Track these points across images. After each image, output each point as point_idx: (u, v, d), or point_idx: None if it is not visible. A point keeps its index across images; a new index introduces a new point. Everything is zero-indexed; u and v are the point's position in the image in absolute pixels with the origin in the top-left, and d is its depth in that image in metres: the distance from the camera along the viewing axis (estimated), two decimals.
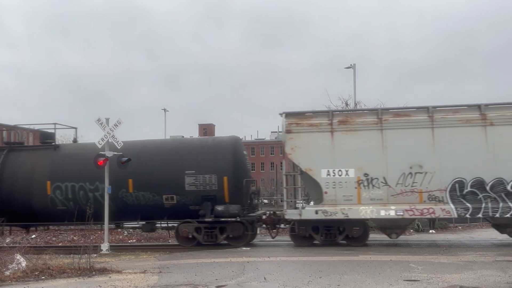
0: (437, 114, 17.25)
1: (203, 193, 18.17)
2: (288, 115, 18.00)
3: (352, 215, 17.18)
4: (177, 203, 18.32)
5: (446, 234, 20.76)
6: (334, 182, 17.30)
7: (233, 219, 17.98)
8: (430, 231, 23.20)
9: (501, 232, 17.81)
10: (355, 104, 32.98)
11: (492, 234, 19.69)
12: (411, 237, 22.00)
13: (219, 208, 17.96)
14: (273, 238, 19.07)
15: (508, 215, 16.60)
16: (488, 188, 16.61)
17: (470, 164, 16.69)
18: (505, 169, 16.54)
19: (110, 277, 11.65)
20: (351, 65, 34.91)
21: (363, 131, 17.42)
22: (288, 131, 17.77)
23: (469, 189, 16.72)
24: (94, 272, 12.06)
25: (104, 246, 17.22)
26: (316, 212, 17.34)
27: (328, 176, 17.33)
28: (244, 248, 17.60)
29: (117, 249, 18.09)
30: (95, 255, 15.10)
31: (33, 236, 23.46)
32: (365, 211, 17.08)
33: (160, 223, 19.55)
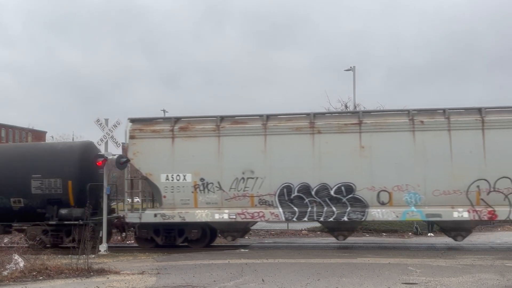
0: (271, 122, 17.92)
1: (49, 197, 18.41)
2: (133, 121, 18.62)
3: (188, 218, 17.85)
4: (24, 206, 18.59)
5: (445, 237, 20.71)
6: (172, 186, 17.94)
7: (76, 222, 18.02)
8: (429, 234, 23.23)
9: (334, 236, 18.59)
10: (355, 107, 32.96)
11: (490, 238, 19.72)
12: (410, 240, 22.02)
13: (63, 211, 18.27)
14: (122, 241, 19.56)
15: (331, 219, 17.35)
16: (313, 193, 17.35)
17: (298, 170, 17.41)
18: (329, 175, 17.29)
19: (108, 278, 11.64)
20: (350, 67, 34.88)
21: (202, 138, 18.11)
22: (132, 137, 18.38)
23: (296, 193, 17.43)
24: (92, 273, 12.05)
25: (102, 247, 17.21)
26: (155, 216, 18.00)
27: (167, 181, 17.99)
28: (242, 250, 17.59)
29: (115, 250, 18.07)
30: (93, 255, 15.08)
31: None
32: (201, 215, 17.69)
33: (11, 225, 19.43)
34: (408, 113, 17.43)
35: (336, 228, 18.11)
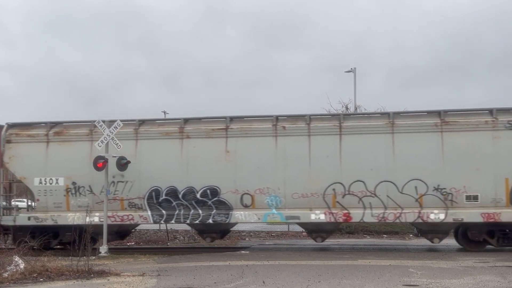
0: (142, 127, 18.46)
1: None
2: (11, 126, 19.05)
3: (61, 221, 18.15)
4: None
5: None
6: (45, 190, 18.34)
7: None
8: None
9: (201, 237, 19.40)
10: (355, 108, 33.00)
11: None
12: (411, 242, 22.01)
13: None
14: (5, 244, 19.57)
15: (197, 221, 17.75)
16: (180, 196, 17.75)
17: (166, 174, 17.79)
18: (196, 179, 17.68)
19: (108, 279, 11.63)
20: (351, 69, 34.92)
21: (76, 142, 18.50)
22: (8, 141, 18.79)
23: (164, 197, 17.87)
24: (92, 275, 12.03)
25: (103, 249, 17.18)
26: (29, 219, 18.35)
27: (41, 184, 18.39)
28: (243, 252, 17.59)
29: (116, 251, 18.05)
30: (94, 257, 15.08)
31: None
32: (73, 218, 17.81)
33: None
34: (272, 118, 17.90)
35: (204, 230, 18.68)
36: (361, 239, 23.12)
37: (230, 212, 17.46)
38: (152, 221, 18.06)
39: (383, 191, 16.92)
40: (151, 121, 18.83)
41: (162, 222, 18.45)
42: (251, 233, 25.57)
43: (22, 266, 12.33)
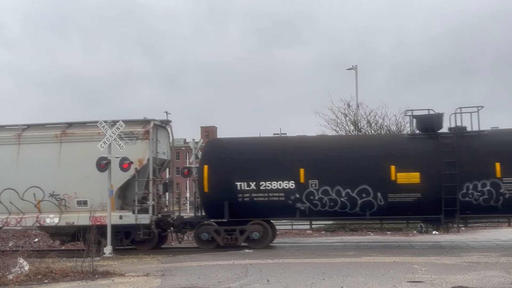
0: None
1: None
2: None
3: None
4: None
5: (450, 235, 20.71)
6: None
7: None
8: (433, 232, 23.18)
9: None
10: (357, 105, 32.91)
11: (495, 235, 19.66)
12: (415, 238, 21.97)
13: None
14: None
15: None
16: None
17: None
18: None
19: (113, 280, 11.64)
20: (353, 66, 34.85)
21: None
22: None
23: None
24: (97, 276, 12.05)
25: (107, 249, 17.21)
26: None
27: None
28: (247, 251, 17.59)
29: (120, 252, 18.07)
30: (98, 258, 15.08)
31: (36, 239, 23.51)
32: None
33: None
34: None
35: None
36: (364, 236, 23.10)
37: None
38: None
39: (6, 198, 18.75)
40: None
41: None
42: None
43: (26, 268, 12.33)
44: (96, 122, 17.84)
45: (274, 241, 20.57)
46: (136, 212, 18.28)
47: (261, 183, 18.03)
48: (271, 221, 19.16)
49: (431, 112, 18.38)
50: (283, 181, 17.94)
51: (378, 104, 44.66)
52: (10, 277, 11.67)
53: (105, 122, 17.56)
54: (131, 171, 18.05)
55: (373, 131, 31.64)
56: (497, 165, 17.10)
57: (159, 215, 18.86)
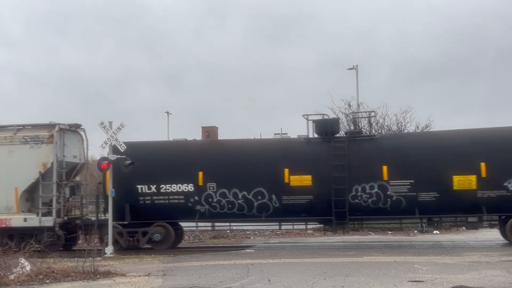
0: None
1: None
2: None
3: None
4: None
5: (451, 234, 20.75)
6: None
7: None
8: (434, 231, 23.19)
9: None
10: (358, 106, 32.89)
11: (496, 235, 19.62)
12: (415, 238, 21.99)
13: None
14: None
15: None
16: None
17: None
18: None
19: (114, 280, 11.66)
20: (353, 66, 34.81)
21: None
22: None
23: None
24: (98, 276, 12.07)
25: (108, 249, 17.24)
26: None
27: None
28: (248, 250, 17.62)
29: (122, 252, 18.09)
30: (99, 258, 15.12)
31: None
32: None
33: None
34: None
35: None
36: (366, 236, 23.12)
37: None
38: None
39: None
40: None
41: None
42: (256, 232, 25.61)
43: (28, 268, 12.35)
44: (5, 126, 18.96)
45: (275, 241, 20.60)
46: (40, 214, 18.41)
47: (162, 186, 18.45)
48: (179, 223, 19.56)
49: (325, 117, 19.25)
50: (182, 184, 18.37)
51: (379, 104, 44.57)
52: (12, 277, 11.69)
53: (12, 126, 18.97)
54: (35, 174, 18.40)
55: (373, 131, 31.64)
56: (384, 168, 17.54)
57: (65, 218, 19.09)
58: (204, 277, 11.79)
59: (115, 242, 18.20)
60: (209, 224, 20.35)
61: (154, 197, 18.54)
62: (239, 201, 18.20)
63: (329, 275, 11.53)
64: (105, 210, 19.26)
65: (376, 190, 17.59)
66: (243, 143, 20.27)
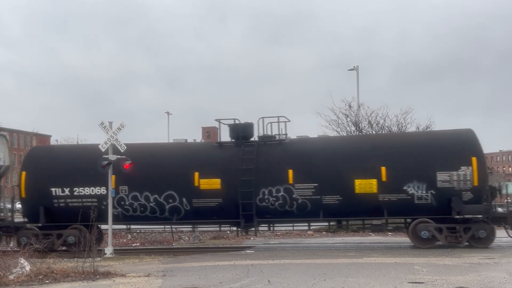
0: None
1: None
2: None
3: None
4: None
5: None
6: None
7: None
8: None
9: None
10: (358, 106, 32.87)
11: (497, 236, 19.59)
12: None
13: None
14: None
15: None
16: None
17: None
18: None
19: (114, 280, 11.65)
20: (354, 67, 34.81)
21: None
22: None
23: None
24: (98, 276, 12.05)
25: (108, 250, 17.22)
26: None
27: None
28: (248, 251, 17.61)
29: (121, 252, 18.09)
30: (99, 258, 15.09)
31: None
32: None
33: None
34: None
35: None
36: (366, 237, 23.09)
37: None
38: None
39: None
40: None
41: None
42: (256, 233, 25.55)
43: (27, 268, 12.34)
44: None
45: (275, 242, 20.57)
46: None
47: (75, 189, 18.69)
48: (101, 226, 19.05)
49: (237, 122, 19.41)
50: (95, 187, 18.54)
51: (380, 105, 44.55)
52: (11, 277, 11.67)
53: None
54: None
55: (374, 132, 31.61)
56: (290, 172, 17.88)
57: None
58: (204, 277, 11.78)
59: (30, 245, 18.27)
60: (124, 226, 20.40)
61: (68, 200, 18.76)
62: (151, 204, 18.47)
63: (329, 276, 11.52)
64: (24, 213, 19.49)
65: (282, 193, 17.93)
66: (155, 147, 20.54)
